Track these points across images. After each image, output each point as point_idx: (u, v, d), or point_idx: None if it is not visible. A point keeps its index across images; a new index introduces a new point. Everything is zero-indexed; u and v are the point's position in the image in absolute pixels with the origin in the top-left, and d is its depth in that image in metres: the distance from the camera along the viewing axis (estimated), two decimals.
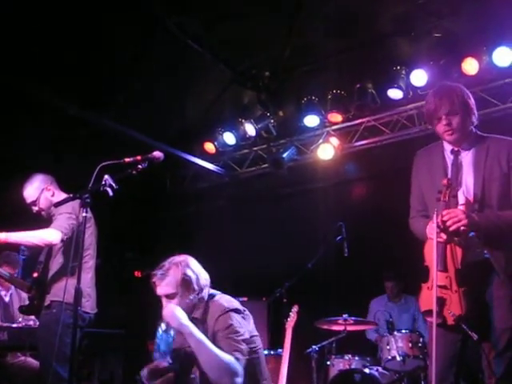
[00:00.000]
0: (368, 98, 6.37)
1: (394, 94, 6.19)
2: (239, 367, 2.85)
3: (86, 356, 4.25)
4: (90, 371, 5.70)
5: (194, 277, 3.07)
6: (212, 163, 7.52)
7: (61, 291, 3.72)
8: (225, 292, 3.26)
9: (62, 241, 3.87)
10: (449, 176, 3.08)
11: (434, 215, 2.92)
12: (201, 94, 6.85)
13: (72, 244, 3.72)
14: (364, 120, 6.76)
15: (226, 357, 2.84)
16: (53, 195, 4.21)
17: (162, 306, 3.08)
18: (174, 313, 2.91)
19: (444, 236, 2.94)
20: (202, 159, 7.40)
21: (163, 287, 3.04)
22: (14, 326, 4.67)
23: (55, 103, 5.75)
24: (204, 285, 3.11)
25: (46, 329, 3.81)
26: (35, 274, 4.05)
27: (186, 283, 3.04)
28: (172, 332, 2.95)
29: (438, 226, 2.91)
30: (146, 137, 6.38)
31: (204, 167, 7.48)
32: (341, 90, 6.52)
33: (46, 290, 4.00)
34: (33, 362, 4.93)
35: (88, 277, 4.09)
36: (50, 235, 3.84)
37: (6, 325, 4.81)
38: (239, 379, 2.84)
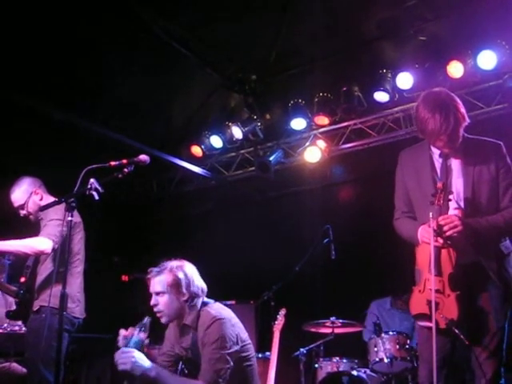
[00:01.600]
0: (354, 101, 6.40)
1: (380, 96, 6.22)
2: None
3: (73, 361, 4.21)
4: (76, 376, 5.67)
5: (184, 281, 3.10)
6: (199, 166, 7.49)
7: (50, 296, 3.67)
8: (213, 295, 3.26)
9: (53, 249, 3.83)
10: (439, 179, 3.07)
11: (430, 219, 2.92)
12: (187, 98, 6.85)
13: (60, 249, 3.69)
14: (351, 123, 6.78)
15: None
16: (41, 199, 4.17)
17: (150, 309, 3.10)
18: (134, 361, 2.83)
19: (440, 240, 2.95)
20: (189, 162, 7.37)
21: (154, 284, 3.11)
22: None
23: (40, 108, 5.70)
24: (196, 292, 3.13)
25: (34, 334, 3.77)
26: (23, 279, 4.02)
27: (175, 285, 3.08)
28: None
29: (434, 231, 2.91)
30: (132, 140, 6.34)
31: (191, 170, 7.45)
32: (327, 92, 6.55)
33: (34, 295, 3.96)
34: (17, 367, 4.86)
35: (77, 282, 4.06)
36: (40, 244, 3.80)
37: None
38: None
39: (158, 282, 3.10)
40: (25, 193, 4.18)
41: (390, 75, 6.09)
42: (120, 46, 5.64)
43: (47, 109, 5.75)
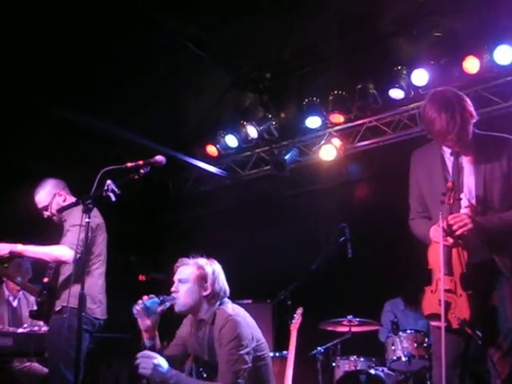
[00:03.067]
0: (369, 99, 6.38)
1: (396, 93, 6.19)
2: None
3: (92, 360, 4.24)
4: (95, 375, 5.72)
5: (211, 277, 3.14)
6: (214, 166, 7.52)
7: (71, 297, 3.72)
8: (230, 294, 3.27)
9: (74, 258, 3.86)
10: (450, 178, 3.05)
11: (440, 219, 2.90)
12: (202, 97, 6.86)
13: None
14: (366, 120, 6.75)
15: None
16: (64, 200, 4.21)
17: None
18: (155, 367, 2.88)
19: (450, 240, 2.93)
20: (205, 162, 7.40)
21: (180, 272, 3.15)
22: (19, 331, 4.68)
23: (55, 110, 5.75)
24: (218, 291, 3.14)
25: (56, 334, 3.81)
26: (46, 280, 4.06)
27: (201, 278, 3.11)
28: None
29: (444, 230, 2.89)
30: (148, 141, 6.38)
31: (206, 170, 7.48)
32: (342, 90, 6.52)
33: (56, 296, 4.00)
34: (38, 367, 4.93)
35: (99, 283, 4.10)
36: (62, 253, 3.86)
37: (11, 330, 4.82)
38: None
39: (185, 270, 3.14)
40: (48, 194, 4.22)
41: (405, 72, 6.05)
42: (134, 46, 5.66)
43: (62, 110, 5.80)
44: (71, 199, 4.20)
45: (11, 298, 5.30)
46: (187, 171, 7.86)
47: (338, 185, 7.15)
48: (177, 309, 3.14)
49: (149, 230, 8.04)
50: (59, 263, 4.00)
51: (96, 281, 4.06)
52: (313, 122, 6.75)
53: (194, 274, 3.12)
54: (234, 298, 3.41)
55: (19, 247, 3.90)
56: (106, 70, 5.82)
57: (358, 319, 5.33)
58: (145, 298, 3.09)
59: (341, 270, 6.25)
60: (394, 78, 6.10)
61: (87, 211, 3.34)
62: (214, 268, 3.19)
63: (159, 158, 3.48)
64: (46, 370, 4.88)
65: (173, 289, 3.13)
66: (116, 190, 3.34)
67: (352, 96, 6.48)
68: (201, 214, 8.06)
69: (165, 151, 5.90)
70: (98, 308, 4.02)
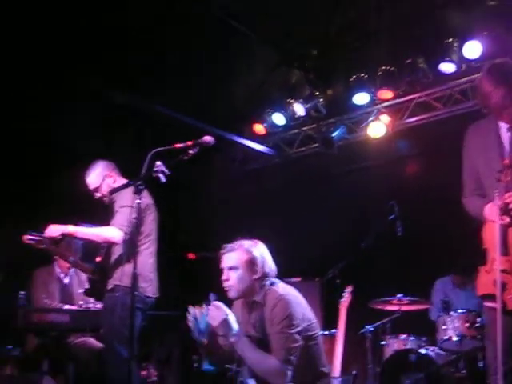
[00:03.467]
0: (419, 73, 6.21)
1: (446, 67, 6.00)
2: (287, 369, 2.91)
3: (144, 337, 4.36)
4: (147, 352, 5.87)
5: (259, 260, 3.14)
6: (262, 144, 7.52)
7: (123, 276, 3.83)
8: (278, 272, 3.28)
9: (124, 239, 3.94)
10: (507, 155, 2.95)
11: (496, 197, 2.82)
12: (248, 76, 6.84)
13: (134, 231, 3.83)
14: (415, 96, 6.59)
15: (272, 363, 2.92)
16: (114, 182, 4.28)
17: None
18: (224, 320, 2.98)
19: (507, 219, 2.84)
20: (252, 141, 7.40)
21: (228, 259, 3.14)
22: (75, 308, 4.84)
23: (107, 91, 5.84)
24: (267, 272, 3.15)
25: (109, 312, 3.91)
26: (98, 259, 4.17)
27: (250, 262, 3.11)
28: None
29: (500, 209, 2.81)
30: (195, 120, 6.41)
31: (254, 149, 7.49)
32: (391, 65, 6.37)
33: (108, 275, 4.10)
34: (93, 342, 5.10)
35: (150, 262, 4.17)
36: (112, 235, 3.93)
37: (67, 307, 4.98)
38: (287, 379, 2.92)
39: (233, 257, 3.13)
40: (99, 176, 4.31)
41: (456, 44, 5.86)
42: (180, 27, 5.68)
43: (111, 92, 5.88)
44: (121, 180, 4.27)
45: (62, 276, 5.46)
46: (234, 150, 7.88)
47: (387, 162, 7.03)
48: (231, 296, 3.16)
49: (196, 210, 8.13)
50: (110, 244, 4.09)
51: (147, 260, 4.13)
52: (361, 98, 6.64)
53: (243, 260, 3.11)
54: (282, 276, 3.43)
55: (70, 229, 4.00)
56: (155, 48, 5.85)
57: (407, 298, 5.29)
58: (194, 312, 3.09)
59: (390, 248, 6.20)
60: (445, 52, 5.91)
61: (138, 192, 3.39)
62: (260, 250, 3.18)
63: (208, 138, 3.49)
64: (100, 345, 5.04)
65: (224, 277, 3.13)
66: (166, 170, 3.38)
67: (401, 71, 6.32)
68: (248, 193, 8.09)
69: (212, 131, 5.93)
70: (149, 287, 4.10)
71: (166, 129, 6.16)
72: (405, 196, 5.98)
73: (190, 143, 3.43)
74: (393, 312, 5.42)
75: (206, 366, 3.02)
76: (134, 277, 3.32)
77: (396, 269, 6.26)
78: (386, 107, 6.79)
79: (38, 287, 5.24)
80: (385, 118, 6.73)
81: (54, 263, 5.43)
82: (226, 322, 2.98)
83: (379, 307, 5.56)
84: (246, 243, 3.18)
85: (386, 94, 6.56)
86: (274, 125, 7.16)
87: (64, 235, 4.02)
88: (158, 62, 6.00)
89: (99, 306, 4.84)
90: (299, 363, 2.99)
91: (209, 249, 7.39)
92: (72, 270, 5.51)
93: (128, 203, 3.90)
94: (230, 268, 3.12)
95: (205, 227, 7.95)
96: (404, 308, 5.35)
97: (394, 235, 5.35)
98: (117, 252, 4.10)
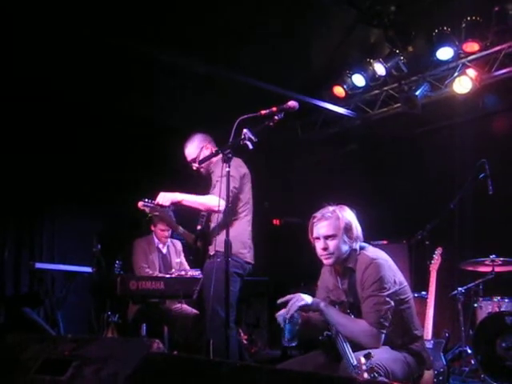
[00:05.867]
0: (509, 21, 5.85)
1: None
2: (379, 332, 2.91)
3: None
4: (238, 314, 6.06)
5: (354, 225, 3.12)
6: (342, 107, 7.41)
7: (223, 243, 3.96)
8: (365, 236, 3.26)
9: (224, 209, 4.00)
10: None
11: None
12: (326, 37, 6.71)
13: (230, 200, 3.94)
14: (504, 46, 6.22)
15: (362, 326, 2.94)
16: (211, 153, 4.39)
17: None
18: (305, 302, 3.00)
19: None
20: (332, 104, 7.31)
21: (324, 227, 3.09)
22: (168, 276, 5.05)
23: (182, 62, 5.93)
24: (359, 236, 3.15)
25: (209, 276, 4.01)
26: (199, 227, 4.31)
27: (347, 229, 3.09)
28: (296, 316, 3.01)
29: None
30: (275, 86, 6.39)
31: (335, 112, 7.39)
32: (476, 15, 6.04)
33: (209, 242, 4.23)
34: (188, 308, 5.31)
35: (248, 229, 4.26)
36: (214, 204, 4.02)
37: (161, 275, 5.22)
38: (380, 341, 2.92)
39: (329, 225, 3.08)
40: (196, 148, 4.43)
41: None
42: None
43: (190, 62, 5.96)
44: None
45: (161, 246, 5.70)
46: (315, 114, 7.81)
47: (475, 118, 6.76)
48: (329, 263, 3.14)
49: (278, 175, 8.17)
50: (211, 212, 4.21)
51: (245, 227, 4.23)
52: (444, 53, 6.36)
53: (340, 227, 3.07)
54: (369, 239, 3.41)
55: (179, 196, 4.10)
56: (231, 18, 5.85)
57: (501, 258, 5.13)
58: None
59: (480, 207, 6.01)
60: None
61: (227, 161, 3.45)
62: (351, 215, 3.15)
63: (292, 103, 3.48)
64: (194, 311, 5.25)
65: (321, 246, 3.09)
66: (253, 137, 3.41)
67: (488, 21, 5.98)
68: (331, 156, 8.04)
69: (292, 95, 5.90)
70: (248, 253, 4.19)
71: (247, 97, 6.19)
72: (494, 154, 5.74)
73: (274, 109, 3.44)
74: (485, 273, 5.27)
75: (286, 344, 3.01)
76: (227, 244, 3.43)
77: (488, 229, 6.07)
78: (471, 61, 6.47)
79: (139, 257, 5.51)
80: (471, 73, 6.42)
81: (151, 234, 5.66)
82: (305, 304, 2.99)
83: (470, 269, 5.44)
84: (338, 210, 3.13)
85: (472, 46, 6.25)
86: (354, 86, 7.02)
87: (173, 203, 4.12)
88: (236, 30, 5.99)
89: (191, 273, 5.03)
90: (392, 326, 2.98)
91: (293, 214, 7.47)
92: (169, 240, 5.73)
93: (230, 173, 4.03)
94: (327, 237, 3.08)
95: (288, 193, 8.01)
96: (497, 269, 5.20)
97: (484, 194, 5.16)
98: (216, 220, 4.22)
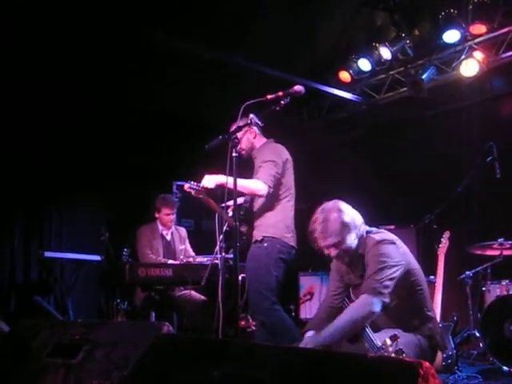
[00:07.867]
0: None
1: None
2: (374, 299, 2.89)
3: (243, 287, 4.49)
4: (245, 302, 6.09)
5: (351, 221, 3.10)
6: (348, 92, 7.37)
7: (269, 227, 4.02)
8: (372, 220, 3.26)
9: (268, 193, 4.04)
10: None
11: None
12: (331, 22, 6.67)
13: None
14: None
15: (357, 304, 2.96)
16: (254, 137, 4.36)
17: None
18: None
19: None
20: (338, 89, 7.27)
21: (328, 239, 3.07)
22: (177, 263, 5.06)
23: (192, 50, 5.91)
24: (360, 224, 3.14)
25: (255, 260, 4.04)
26: (241, 212, 4.25)
27: (346, 227, 3.07)
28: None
29: None
30: (280, 72, 6.37)
31: (340, 97, 7.36)
32: None
33: (253, 227, 4.22)
34: (196, 295, 5.34)
35: (291, 214, 4.25)
36: (258, 189, 4.02)
37: (170, 262, 5.23)
38: (375, 308, 2.90)
39: (330, 235, 3.05)
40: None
41: None
42: None
43: (198, 49, 5.94)
44: (260, 137, 4.37)
45: (164, 232, 5.71)
46: (321, 99, 7.78)
47: (482, 101, 6.71)
48: (347, 261, 3.16)
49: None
50: (254, 196, 4.18)
51: (289, 212, 4.23)
52: (451, 36, 6.29)
53: (338, 231, 3.04)
54: (376, 223, 3.40)
55: (223, 179, 3.92)
56: (236, 3, 5.83)
57: (510, 242, 5.12)
58: None
59: (488, 191, 5.99)
60: None
61: (234, 146, 3.44)
62: (344, 211, 3.12)
63: (298, 87, 3.48)
64: (203, 297, 5.28)
65: (332, 254, 3.09)
66: (259, 123, 3.41)
67: (495, 2, 5.93)
68: (337, 142, 8.01)
69: (298, 80, 5.87)
70: (292, 237, 4.19)
71: (252, 82, 6.17)
72: (503, 136, 5.71)
73: (280, 94, 3.43)
74: (493, 257, 5.27)
75: None
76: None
77: (496, 212, 6.05)
78: (479, 43, 6.40)
79: (143, 244, 5.52)
80: (478, 55, 6.36)
81: (155, 221, 5.69)
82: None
83: (478, 252, 5.43)
84: (329, 214, 3.10)
85: (479, 28, 6.18)
86: (359, 71, 6.97)
87: (217, 186, 4.03)
88: (241, 14, 5.96)
89: (199, 259, 5.04)
90: (407, 307, 3.01)
91: (300, 200, 7.46)
92: (173, 227, 5.74)
93: (272, 158, 4.06)
94: (332, 245, 3.08)
95: (295, 178, 7.99)
96: (506, 252, 5.19)
97: (492, 178, 5.14)
98: (260, 205, 4.19)
